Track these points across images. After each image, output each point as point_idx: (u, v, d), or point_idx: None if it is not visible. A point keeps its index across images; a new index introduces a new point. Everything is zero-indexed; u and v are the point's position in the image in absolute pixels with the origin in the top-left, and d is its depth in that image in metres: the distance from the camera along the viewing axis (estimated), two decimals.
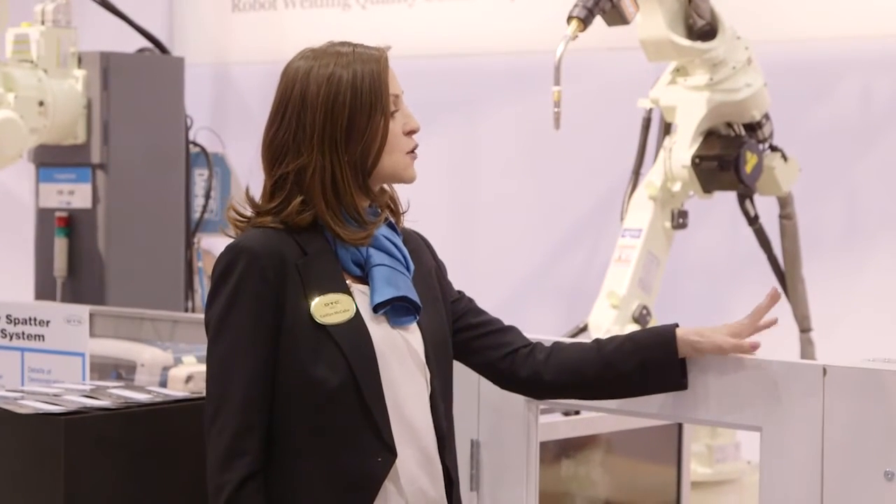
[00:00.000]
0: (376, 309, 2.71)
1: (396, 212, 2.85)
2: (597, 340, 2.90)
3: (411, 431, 2.71)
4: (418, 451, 2.72)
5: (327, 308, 2.68)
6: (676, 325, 2.88)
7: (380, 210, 2.79)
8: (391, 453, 2.67)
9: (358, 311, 2.70)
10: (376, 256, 2.75)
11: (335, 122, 2.71)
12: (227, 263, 2.70)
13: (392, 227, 2.83)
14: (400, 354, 2.73)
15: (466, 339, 2.89)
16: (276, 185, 2.76)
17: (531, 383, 2.89)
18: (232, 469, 2.65)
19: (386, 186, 2.82)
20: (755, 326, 2.91)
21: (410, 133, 2.77)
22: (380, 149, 2.73)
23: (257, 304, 2.67)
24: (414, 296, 2.75)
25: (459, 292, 2.94)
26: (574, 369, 2.86)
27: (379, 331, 2.71)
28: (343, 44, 2.78)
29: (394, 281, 2.73)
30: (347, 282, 2.73)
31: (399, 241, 2.81)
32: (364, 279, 2.75)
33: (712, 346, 2.87)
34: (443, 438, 2.76)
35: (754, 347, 2.87)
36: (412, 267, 2.80)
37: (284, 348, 2.67)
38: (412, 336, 2.76)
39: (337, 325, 2.67)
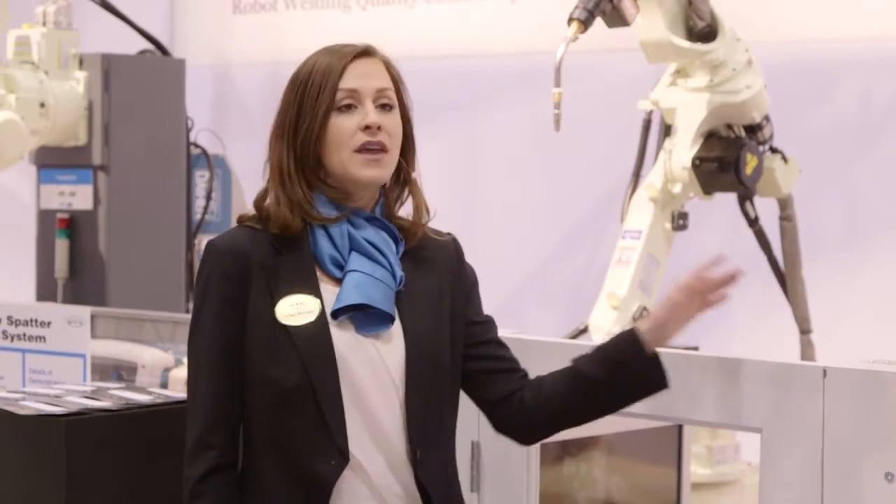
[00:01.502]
0: (335, 314, 2.68)
1: (414, 222, 2.80)
2: (572, 360, 2.86)
3: (380, 440, 2.69)
4: (393, 458, 2.70)
5: (291, 309, 2.69)
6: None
7: (352, 208, 2.74)
8: (343, 457, 2.65)
9: (323, 314, 2.68)
10: (355, 261, 2.72)
11: (287, 115, 2.74)
12: (201, 261, 2.78)
13: (390, 231, 2.78)
14: (368, 361, 2.69)
15: (474, 369, 2.83)
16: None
17: (531, 433, 2.89)
18: (197, 462, 2.69)
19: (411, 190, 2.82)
20: (699, 277, 2.82)
21: (366, 128, 2.71)
22: (321, 143, 2.71)
23: (221, 302, 2.71)
24: (383, 303, 2.70)
25: (487, 317, 2.89)
26: (555, 399, 2.82)
27: (343, 335, 2.68)
28: (341, 44, 2.80)
29: (364, 287, 2.69)
30: (324, 284, 2.71)
31: (387, 247, 2.75)
32: (340, 281, 2.72)
33: (670, 307, 2.80)
34: (414, 452, 2.70)
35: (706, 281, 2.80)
36: (399, 274, 2.74)
37: (248, 347, 2.69)
38: (387, 345, 2.71)
39: (298, 327, 2.67)
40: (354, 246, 2.73)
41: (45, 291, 5.72)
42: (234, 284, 2.70)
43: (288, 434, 2.67)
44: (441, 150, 6.69)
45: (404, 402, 2.70)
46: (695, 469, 4.77)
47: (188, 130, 6.02)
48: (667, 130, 4.97)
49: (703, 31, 4.79)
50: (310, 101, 2.71)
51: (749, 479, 5.02)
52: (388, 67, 2.79)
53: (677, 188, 4.86)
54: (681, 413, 2.97)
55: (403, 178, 2.81)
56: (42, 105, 5.44)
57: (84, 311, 3.82)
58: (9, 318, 3.83)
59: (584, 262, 6.60)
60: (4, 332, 3.84)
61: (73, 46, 5.59)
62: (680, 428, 4.27)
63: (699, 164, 4.80)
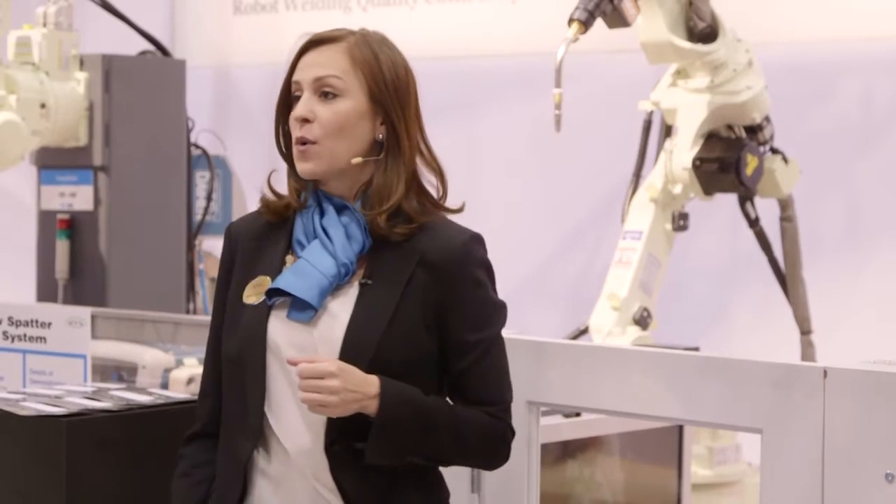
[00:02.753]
0: (269, 295, 2.70)
1: (375, 216, 2.73)
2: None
3: (310, 425, 2.68)
4: (315, 447, 2.68)
5: (253, 289, 2.74)
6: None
7: (327, 194, 2.75)
8: (256, 436, 2.68)
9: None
10: (309, 248, 2.73)
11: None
12: None
13: (357, 221, 2.73)
14: (299, 346, 2.68)
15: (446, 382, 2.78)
16: None
17: None
18: (189, 428, 2.83)
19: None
20: None
21: (296, 119, 2.71)
22: (276, 132, 2.77)
23: (217, 282, 2.83)
24: (307, 292, 2.67)
25: (475, 342, 2.73)
26: None
27: (277, 317, 2.71)
28: None
29: (301, 275, 2.69)
30: (290, 265, 2.74)
31: (340, 236, 2.71)
32: None
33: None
34: (331, 445, 2.66)
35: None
36: (343, 262, 2.69)
37: (224, 325, 2.79)
38: (324, 333, 2.68)
39: (249, 306, 2.73)
40: (315, 232, 2.74)
41: (46, 292, 5.72)
42: (225, 265, 2.81)
43: (226, 409, 2.76)
44: (442, 150, 6.66)
45: None
46: (695, 470, 4.77)
47: (189, 131, 6.02)
48: (667, 131, 4.98)
49: (704, 32, 4.79)
50: (281, 92, 2.77)
51: (750, 479, 5.02)
52: (351, 52, 2.75)
53: (678, 189, 4.86)
54: (681, 414, 2.97)
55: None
56: (43, 106, 5.44)
57: (84, 312, 3.82)
58: (9, 318, 3.83)
59: (585, 263, 6.60)
60: (5, 333, 3.84)
61: (74, 47, 5.59)
62: (680, 429, 4.27)
63: (700, 165, 4.80)
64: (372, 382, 2.62)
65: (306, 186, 2.76)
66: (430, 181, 2.87)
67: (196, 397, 2.93)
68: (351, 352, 2.66)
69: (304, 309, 2.69)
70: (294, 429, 2.68)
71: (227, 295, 2.78)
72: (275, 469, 2.70)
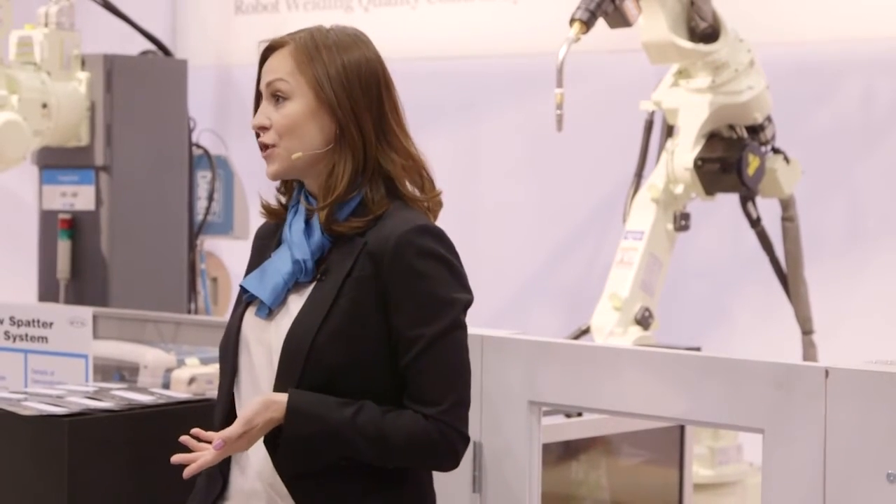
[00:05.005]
0: (242, 292, 2.79)
1: (320, 199, 2.74)
2: None
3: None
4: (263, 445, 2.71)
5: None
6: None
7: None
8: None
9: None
10: (278, 249, 2.80)
11: None
12: None
13: (305, 219, 2.76)
14: (263, 344, 2.73)
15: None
16: None
17: None
18: None
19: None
20: None
21: (253, 129, 2.79)
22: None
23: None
24: (259, 290, 2.73)
25: (417, 338, 2.65)
26: None
27: (248, 315, 2.77)
28: None
29: (263, 273, 2.77)
30: None
31: (298, 236, 2.74)
32: None
33: None
34: (271, 440, 2.66)
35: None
36: (297, 259, 2.72)
37: None
38: (274, 328, 2.72)
39: (238, 306, 2.82)
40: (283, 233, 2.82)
41: (48, 292, 5.72)
42: (249, 264, 2.87)
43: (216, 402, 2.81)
44: (443, 150, 6.69)
45: (273, 387, 2.70)
46: (697, 470, 4.77)
47: (190, 131, 6.02)
48: (669, 131, 4.97)
49: (706, 32, 4.79)
50: (254, 101, 2.85)
51: (751, 479, 5.02)
52: (295, 53, 2.76)
53: (679, 189, 4.86)
54: (682, 414, 2.97)
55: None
56: (44, 106, 5.44)
57: (86, 312, 3.82)
58: (11, 318, 3.84)
59: (586, 263, 6.59)
60: (7, 333, 3.84)
61: (76, 47, 5.59)
62: (682, 429, 4.27)
63: (701, 165, 4.80)
64: (276, 406, 2.62)
65: (293, 188, 2.82)
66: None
67: (199, 398, 2.94)
68: (288, 351, 2.68)
69: (263, 308, 2.75)
70: None
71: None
72: (243, 464, 2.73)
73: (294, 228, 2.75)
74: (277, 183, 2.84)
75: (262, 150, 2.76)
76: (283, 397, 2.63)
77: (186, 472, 2.61)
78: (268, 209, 2.84)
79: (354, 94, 2.73)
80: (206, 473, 2.74)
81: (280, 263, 2.74)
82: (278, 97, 2.74)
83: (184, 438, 2.63)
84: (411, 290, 2.67)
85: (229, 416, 2.73)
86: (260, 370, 2.72)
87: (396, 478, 2.71)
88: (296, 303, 2.72)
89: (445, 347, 2.67)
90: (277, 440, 2.65)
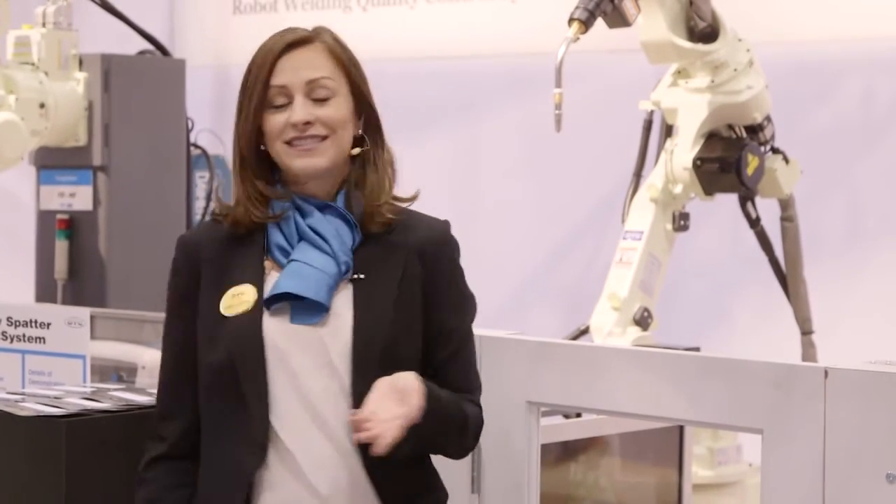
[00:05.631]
0: (268, 303, 2.69)
1: (372, 198, 2.76)
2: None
3: (323, 429, 2.67)
4: (332, 446, 2.67)
5: (233, 299, 2.71)
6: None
7: (307, 197, 2.75)
8: (263, 449, 2.66)
9: (259, 303, 2.69)
10: (299, 250, 2.72)
11: (236, 113, 2.79)
12: None
13: (344, 218, 2.75)
14: (307, 349, 2.67)
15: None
16: None
17: None
18: (147, 451, 2.77)
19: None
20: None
21: (294, 125, 2.72)
22: (249, 139, 2.75)
23: (174, 294, 2.79)
24: (316, 292, 2.67)
25: (451, 328, 2.78)
26: None
27: (276, 323, 2.68)
28: (282, 31, 2.83)
29: (300, 277, 2.68)
30: (270, 272, 2.72)
31: (332, 234, 2.72)
32: None
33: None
34: (361, 443, 2.64)
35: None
36: (343, 261, 2.70)
37: (199, 339, 2.73)
38: (331, 334, 2.69)
39: (233, 317, 2.69)
40: (300, 234, 2.73)
41: (45, 292, 5.71)
42: (184, 278, 2.76)
43: (218, 422, 2.71)
44: (442, 150, 6.68)
45: (350, 391, 2.67)
46: (696, 470, 4.77)
47: (188, 131, 6.02)
48: (668, 131, 4.97)
49: (705, 32, 4.78)
50: (245, 98, 2.76)
51: (750, 480, 5.02)
52: (332, 52, 2.77)
53: (678, 189, 4.86)
54: (682, 414, 2.96)
55: (364, 161, 2.78)
56: (42, 106, 5.43)
57: (84, 312, 3.81)
58: (8, 318, 3.82)
59: (585, 263, 6.59)
60: (4, 333, 3.83)
61: (73, 47, 5.58)
62: (681, 429, 4.26)
63: (700, 165, 4.79)
64: (418, 394, 2.63)
65: (277, 193, 2.75)
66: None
67: None
68: (361, 351, 2.67)
69: (309, 311, 2.68)
70: (307, 437, 2.67)
71: (187, 309, 2.74)
72: (280, 480, 2.67)
73: (324, 229, 2.72)
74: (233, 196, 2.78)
75: (300, 143, 2.71)
76: (412, 379, 2.63)
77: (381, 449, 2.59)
78: (242, 217, 2.73)
79: (370, 96, 2.81)
80: (216, 498, 2.70)
81: (319, 264, 2.69)
82: (322, 95, 2.73)
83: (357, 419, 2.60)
84: (453, 286, 2.79)
85: (186, 439, 2.73)
86: (305, 378, 2.67)
87: (431, 473, 2.82)
88: (339, 304, 2.70)
89: (472, 338, 2.84)
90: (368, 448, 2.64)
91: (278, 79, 2.73)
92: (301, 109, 2.71)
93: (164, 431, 2.76)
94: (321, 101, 2.72)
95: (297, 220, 2.73)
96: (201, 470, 2.74)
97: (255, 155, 2.76)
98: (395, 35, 6.89)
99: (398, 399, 2.60)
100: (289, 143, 2.72)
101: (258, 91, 2.74)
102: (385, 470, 2.67)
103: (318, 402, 2.67)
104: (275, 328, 2.68)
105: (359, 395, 2.65)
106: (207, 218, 2.87)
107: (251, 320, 2.68)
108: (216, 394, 2.70)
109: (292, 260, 2.70)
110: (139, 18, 6.06)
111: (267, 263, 2.74)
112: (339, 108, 2.73)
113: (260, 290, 2.70)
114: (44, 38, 5.48)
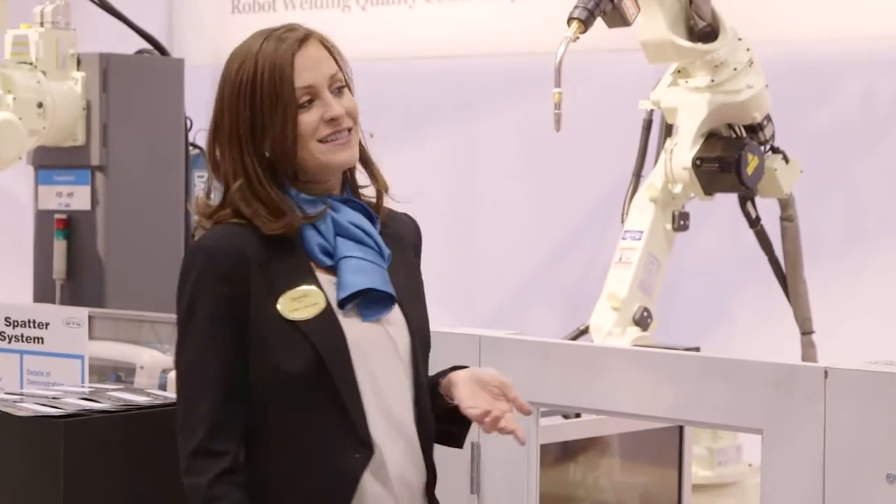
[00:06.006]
0: (342, 304, 2.66)
1: (379, 192, 2.78)
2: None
3: (396, 425, 2.68)
4: (404, 445, 2.69)
5: (296, 303, 2.64)
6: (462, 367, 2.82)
7: (331, 196, 2.73)
8: (368, 448, 2.64)
9: (329, 304, 2.65)
10: (344, 247, 2.69)
11: (238, 121, 2.68)
12: (186, 264, 2.67)
13: (364, 210, 2.75)
14: (380, 347, 2.68)
15: None
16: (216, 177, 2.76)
17: None
18: (204, 469, 2.61)
19: (358, 171, 2.78)
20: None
21: (331, 121, 2.68)
22: (292, 143, 2.67)
23: (217, 302, 2.63)
24: (384, 285, 2.68)
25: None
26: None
27: (351, 323, 2.66)
28: (264, 32, 2.77)
29: (363, 272, 2.67)
30: (318, 273, 2.68)
31: (370, 227, 2.73)
32: (335, 269, 2.69)
33: (458, 399, 2.74)
34: (430, 432, 2.73)
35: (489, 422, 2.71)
36: (387, 252, 2.73)
37: (255, 347, 2.63)
38: (393, 327, 2.71)
39: (307, 320, 2.63)
40: (339, 230, 2.71)
41: (43, 292, 5.71)
42: (231, 285, 2.63)
43: (308, 431, 2.63)
44: (441, 149, 6.68)
45: (412, 384, 2.70)
46: (696, 470, 4.76)
47: (187, 130, 6.01)
48: (668, 130, 4.96)
49: (704, 31, 4.78)
50: (268, 104, 2.67)
51: (750, 480, 5.01)
52: (325, 45, 2.75)
53: (678, 188, 4.85)
54: (681, 414, 2.96)
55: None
56: (40, 105, 5.42)
57: (82, 312, 3.81)
58: (6, 319, 3.82)
59: (585, 263, 6.59)
60: (2, 334, 3.83)
61: (71, 46, 5.57)
62: (681, 429, 4.26)
63: (700, 165, 4.79)
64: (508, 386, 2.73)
65: (316, 191, 2.72)
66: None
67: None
68: (418, 342, 2.73)
69: (375, 306, 2.68)
70: (383, 432, 2.66)
71: (237, 318, 2.63)
72: (371, 478, 2.66)
73: (359, 223, 2.72)
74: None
75: (336, 137, 2.68)
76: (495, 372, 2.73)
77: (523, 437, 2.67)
78: (290, 225, 2.68)
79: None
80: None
81: (371, 258, 2.69)
82: (341, 88, 2.72)
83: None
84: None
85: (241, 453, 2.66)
86: (382, 375, 2.67)
87: None
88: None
89: None
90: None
91: (302, 79, 2.68)
92: (335, 104, 2.69)
93: (221, 446, 2.62)
94: (341, 94, 2.72)
95: (335, 217, 2.71)
96: (280, 481, 2.64)
97: (292, 152, 2.69)
98: (394, 34, 6.88)
99: (492, 393, 2.68)
100: (322, 140, 2.69)
101: (287, 94, 2.67)
102: (432, 463, 2.73)
103: (389, 395, 2.68)
104: (352, 327, 2.66)
105: (420, 387, 2.70)
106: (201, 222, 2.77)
107: (330, 321, 2.65)
108: (308, 403, 2.63)
109: (345, 257, 2.68)
110: (137, 18, 6.05)
111: (311, 263, 2.70)
112: (351, 97, 2.73)
113: (321, 290, 2.66)
114: (42, 37, 5.48)
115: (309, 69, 2.69)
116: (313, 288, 2.66)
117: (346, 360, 2.64)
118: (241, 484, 2.63)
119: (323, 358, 2.62)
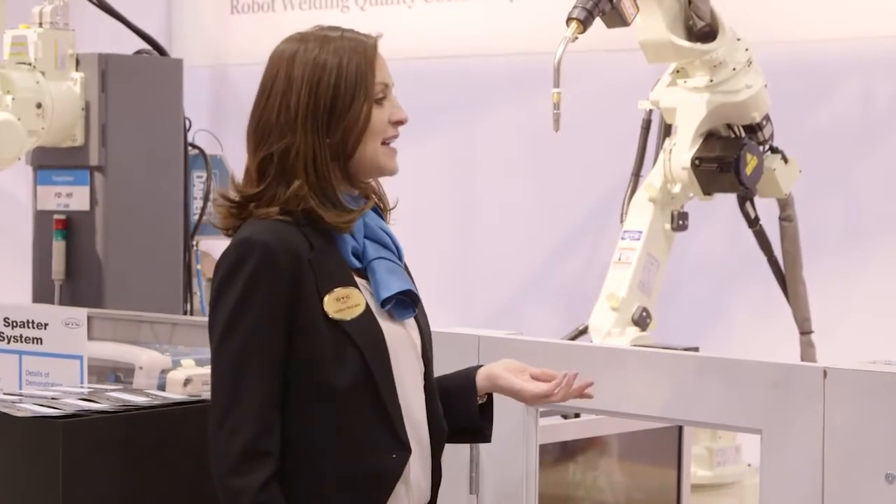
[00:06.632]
0: (384, 303, 2.68)
1: (384, 208, 2.82)
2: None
3: (416, 426, 2.70)
4: (418, 445, 2.71)
5: (339, 303, 2.64)
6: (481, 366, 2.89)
7: (365, 199, 2.75)
8: (405, 450, 2.66)
9: (368, 306, 2.67)
10: (372, 249, 2.72)
11: (318, 103, 2.67)
12: (238, 257, 2.63)
13: (380, 214, 2.80)
14: (405, 349, 2.71)
15: None
16: (260, 167, 2.72)
17: None
18: (253, 471, 2.58)
19: (372, 181, 2.80)
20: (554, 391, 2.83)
21: (397, 123, 2.72)
22: (360, 134, 2.68)
23: (273, 300, 2.61)
24: (414, 288, 2.74)
25: None
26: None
27: (387, 325, 2.69)
28: (332, 28, 2.78)
29: (394, 274, 2.71)
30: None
31: (391, 231, 2.79)
32: (362, 272, 2.71)
33: (511, 387, 2.83)
34: (441, 435, 2.75)
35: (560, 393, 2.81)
36: (403, 256, 2.79)
37: (299, 346, 2.62)
38: (412, 330, 2.75)
39: (350, 321, 2.63)
40: (367, 233, 2.73)
41: (42, 293, 5.70)
42: (287, 281, 2.62)
43: (349, 433, 2.63)
44: (440, 150, 6.68)
45: (425, 381, 2.75)
46: (695, 470, 4.76)
47: (186, 131, 6.01)
48: (667, 130, 4.97)
49: (703, 31, 4.78)
50: (349, 89, 2.68)
51: (749, 480, 5.01)
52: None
53: (677, 188, 4.85)
54: (681, 414, 2.96)
55: None
56: (39, 106, 5.42)
57: (81, 313, 3.81)
58: (5, 319, 3.82)
59: (584, 263, 6.59)
60: (1, 334, 3.83)
61: (70, 47, 5.57)
62: (680, 429, 4.26)
63: (699, 165, 4.79)
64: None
65: (362, 190, 2.76)
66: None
67: (195, 399, 2.89)
68: (429, 343, 2.78)
69: (402, 307, 2.71)
70: (412, 432, 2.69)
71: (288, 315, 2.61)
72: (406, 474, 2.68)
73: (385, 227, 2.76)
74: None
75: (392, 142, 2.73)
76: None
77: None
78: (347, 220, 2.69)
79: None
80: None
81: (395, 261, 2.74)
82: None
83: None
84: None
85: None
86: (405, 374, 2.69)
87: None
88: None
89: None
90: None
91: (382, 77, 2.72)
92: (402, 109, 2.73)
93: (268, 446, 2.60)
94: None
95: (365, 221, 2.73)
96: (315, 488, 2.64)
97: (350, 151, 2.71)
98: (393, 34, 6.86)
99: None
100: (385, 142, 2.72)
101: (370, 83, 2.69)
102: (440, 466, 2.76)
103: (410, 397, 2.70)
104: (388, 330, 2.68)
105: (431, 387, 2.75)
106: (207, 218, 2.83)
107: (371, 323, 2.66)
108: (351, 404, 2.64)
109: (378, 258, 2.71)
110: (136, 18, 6.05)
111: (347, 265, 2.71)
112: None
113: (360, 291, 2.68)
114: (40, 37, 5.47)
115: (384, 70, 2.74)
116: (353, 289, 2.67)
117: (387, 362, 2.65)
118: (282, 489, 2.61)
119: (368, 360, 2.63)
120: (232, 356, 2.62)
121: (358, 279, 2.70)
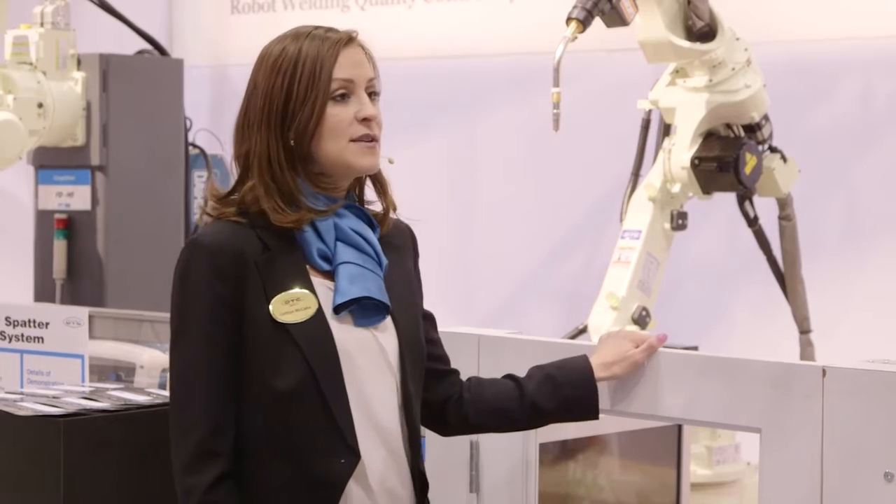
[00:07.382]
0: (337, 310, 2.65)
1: (386, 209, 2.79)
2: (514, 379, 2.90)
3: (379, 432, 2.67)
4: (386, 452, 2.68)
5: (287, 306, 2.62)
6: (585, 356, 2.93)
7: (337, 199, 2.72)
8: (354, 455, 2.63)
9: (320, 309, 2.64)
10: (343, 252, 2.68)
11: (272, 105, 2.68)
12: (183, 262, 2.65)
13: (368, 219, 2.76)
14: (368, 353, 2.67)
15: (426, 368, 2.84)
16: (238, 170, 2.76)
17: (456, 429, 2.93)
18: (203, 471, 2.60)
19: (374, 185, 2.79)
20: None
21: (364, 121, 2.68)
22: (316, 132, 2.66)
23: (215, 302, 2.61)
24: (380, 294, 2.68)
25: (430, 313, 2.90)
26: (498, 412, 2.88)
27: (342, 329, 2.65)
28: (310, 27, 2.77)
29: (359, 279, 2.66)
30: (313, 277, 2.67)
31: (371, 235, 2.73)
32: (331, 274, 2.68)
33: (631, 365, 2.93)
34: (416, 440, 2.73)
35: (661, 340, 2.96)
36: (384, 262, 2.73)
37: (244, 348, 2.62)
38: (383, 334, 2.70)
39: (297, 324, 2.62)
40: (340, 236, 2.70)
41: (44, 292, 5.72)
42: (229, 284, 2.62)
43: (294, 436, 2.63)
44: (440, 149, 6.68)
45: (400, 388, 2.70)
46: (694, 469, 4.77)
47: (186, 130, 6.02)
48: (666, 130, 4.97)
49: (702, 31, 4.78)
50: (301, 88, 2.67)
51: (749, 479, 5.02)
52: (368, 54, 2.76)
53: (676, 188, 4.85)
54: (680, 413, 2.96)
55: None
56: (40, 105, 5.43)
57: (82, 312, 3.81)
58: (7, 318, 3.83)
59: (584, 262, 6.59)
60: (2, 333, 3.83)
61: (71, 47, 5.58)
62: (679, 428, 4.26)
63: (698, 164, 4.79)
64: None
65: (326, 192, 2.72)
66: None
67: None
68: (409, 350, 2.73)
69: (370, 313, 2.68)
70: (368, 440, 2.66)
71: (232, 317, 2.62)
72: (355, 484, 2.65)
73: (360, 229, 2.71)
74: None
75: (366, 140, 2.69)
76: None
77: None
78: (295, 218, 2.66)
79: None
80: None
81: (369, 266, 2.69)
82: (373, 94, 2.73)
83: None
84: (418, 269, 2.89)
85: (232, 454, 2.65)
86: (369, 382, 2.66)
87: None
88: None
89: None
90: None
91: (343, 72, 2.69)
92: (370, 105, 2.70)
93: (219, 447, 2.62)
94: (373, 100, 2.73)
95: (337, 222, 2.70)
96: (263, 492, 2.64)
97: (307, 149, 2.69)
98: (393, 34, 6.88)
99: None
100: (354, 140, 2.68)
101: (324, 81, 2.67)
102: (420, 471, 2.75)
103: (376, 404, 2.67)
104: (342, 333, 2.65)
105: (407, 392, 2.70)
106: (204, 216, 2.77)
107: (320, 326, 2.63)
108: (295, 408, 2.61)
109: (344, 263, 2.68)
110: (137, 18, 6.06)
111: (307, 267, 2.68)
112: (379, 109, 2.74)
113: (314, 294, 2.65)
114: (42, 37, 5.48)
115: (350, 66, 2.70)
116: (305, 292, 2.64)
117: (335, 367, 2.63)
118: (235, 488, 2.63)
119: (310, 363, 2.61)
120: (182, 358, 2.65)
121: (325, 281, 2.67)
